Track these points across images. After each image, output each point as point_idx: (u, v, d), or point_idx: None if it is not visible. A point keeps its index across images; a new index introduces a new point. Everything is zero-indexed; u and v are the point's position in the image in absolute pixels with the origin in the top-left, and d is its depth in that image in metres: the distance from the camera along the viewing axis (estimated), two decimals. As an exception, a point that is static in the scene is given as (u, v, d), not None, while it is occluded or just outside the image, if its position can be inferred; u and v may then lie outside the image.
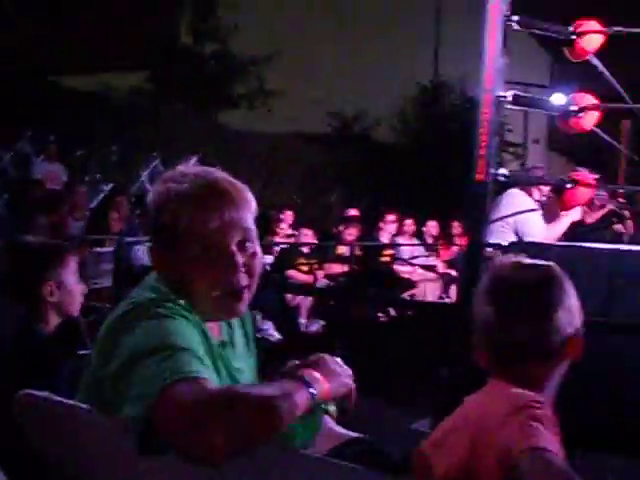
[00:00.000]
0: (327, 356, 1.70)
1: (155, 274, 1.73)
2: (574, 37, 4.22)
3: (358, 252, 8.70)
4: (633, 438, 3.42)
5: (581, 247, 4.56)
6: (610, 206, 7.83)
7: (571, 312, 1.64)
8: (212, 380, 1.47)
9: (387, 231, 9.20)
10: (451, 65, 15.10)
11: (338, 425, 2.00)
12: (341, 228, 9.10)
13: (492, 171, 3.85)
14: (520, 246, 4.39)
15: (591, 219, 7.69)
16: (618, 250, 4.18)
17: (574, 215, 5.17)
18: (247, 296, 1.71)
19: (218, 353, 1.71)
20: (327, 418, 1.92)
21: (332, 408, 1.82)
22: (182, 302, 1.64)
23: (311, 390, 1.53)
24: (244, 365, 1.82)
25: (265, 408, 1.40)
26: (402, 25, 16.80)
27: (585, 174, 4.49)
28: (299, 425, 1.70)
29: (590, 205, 7.69)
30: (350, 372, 1.72)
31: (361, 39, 16.42)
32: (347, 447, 1.93)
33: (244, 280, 1.69)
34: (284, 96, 15.54)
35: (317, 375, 1.59)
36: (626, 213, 8.27)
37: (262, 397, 1.41)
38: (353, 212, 10.04)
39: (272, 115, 15.60)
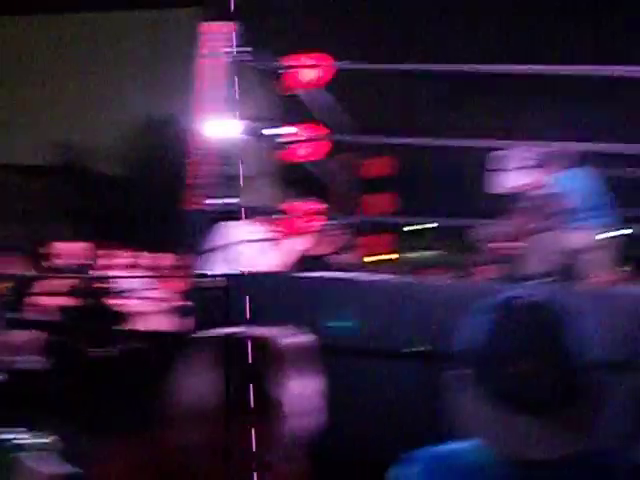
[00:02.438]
0: None
1: None
2: (286, 71, 4.36)
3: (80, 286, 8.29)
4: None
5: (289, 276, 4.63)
6: (343, 237, 8.16)
7: None
8: None
9: (111, 263, 8.92)
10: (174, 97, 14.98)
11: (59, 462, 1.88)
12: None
13: (208, 201, 3.85)
14: (244, 276, 4.40)
15: (325, 250, 7.92)
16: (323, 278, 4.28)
17: (297, 245, 5.23)
18: None
19: None
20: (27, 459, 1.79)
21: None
22: None
23: None
24: None
25: None
26: (127, 57, 16.53)
27: (302, 205, 4.61)
28: None
29: (325, 236, 7.97)
30: None
31: (81, 72, 15.87)
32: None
33: None
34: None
35: None
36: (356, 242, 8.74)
37: None
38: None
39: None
